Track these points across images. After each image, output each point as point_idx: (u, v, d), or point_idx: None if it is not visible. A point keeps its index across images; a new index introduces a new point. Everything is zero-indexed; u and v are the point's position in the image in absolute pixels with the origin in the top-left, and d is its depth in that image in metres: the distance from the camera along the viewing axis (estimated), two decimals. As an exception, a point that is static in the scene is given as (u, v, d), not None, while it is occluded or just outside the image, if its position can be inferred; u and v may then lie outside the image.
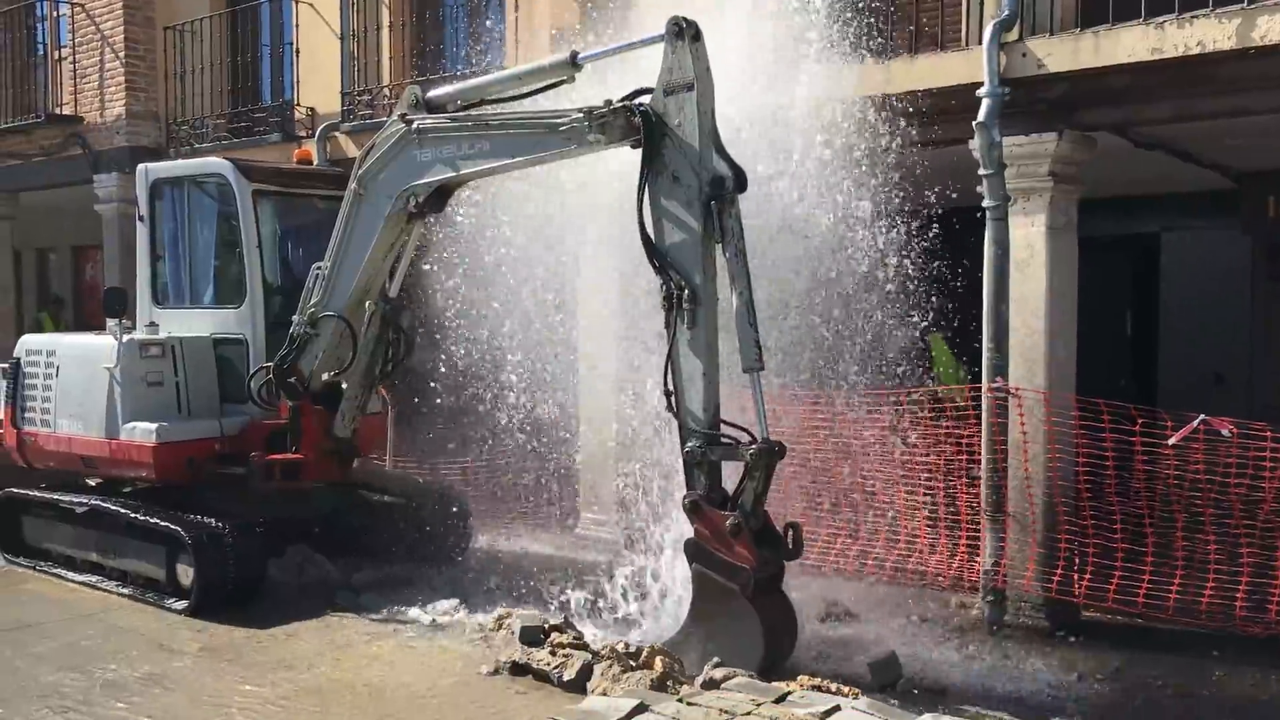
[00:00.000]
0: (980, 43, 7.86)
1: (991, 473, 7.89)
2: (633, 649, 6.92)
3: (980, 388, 8.07)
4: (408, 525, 9.84)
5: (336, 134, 12.43)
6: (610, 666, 6.56)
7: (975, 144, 7.73)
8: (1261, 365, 11.02)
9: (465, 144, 8.09)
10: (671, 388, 7.16)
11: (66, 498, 9.65)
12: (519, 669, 6.99)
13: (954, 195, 8.29)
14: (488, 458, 11.58)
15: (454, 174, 8.19)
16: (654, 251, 7.16)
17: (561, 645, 6.98)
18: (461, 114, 8.26)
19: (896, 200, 8.21)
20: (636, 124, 7.14)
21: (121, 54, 14.83)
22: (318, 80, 13.01)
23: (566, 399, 10.60)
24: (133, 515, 8.94)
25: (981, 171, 7.76)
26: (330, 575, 9.42)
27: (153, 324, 9.78)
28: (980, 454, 8.12)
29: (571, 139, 7.47)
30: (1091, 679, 7.02)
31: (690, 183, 7.02)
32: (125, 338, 9.34)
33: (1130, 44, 7.17)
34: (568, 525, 10.88)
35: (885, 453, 8.53)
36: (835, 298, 8.42)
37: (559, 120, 7.50)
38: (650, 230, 7.17)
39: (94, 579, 9.43)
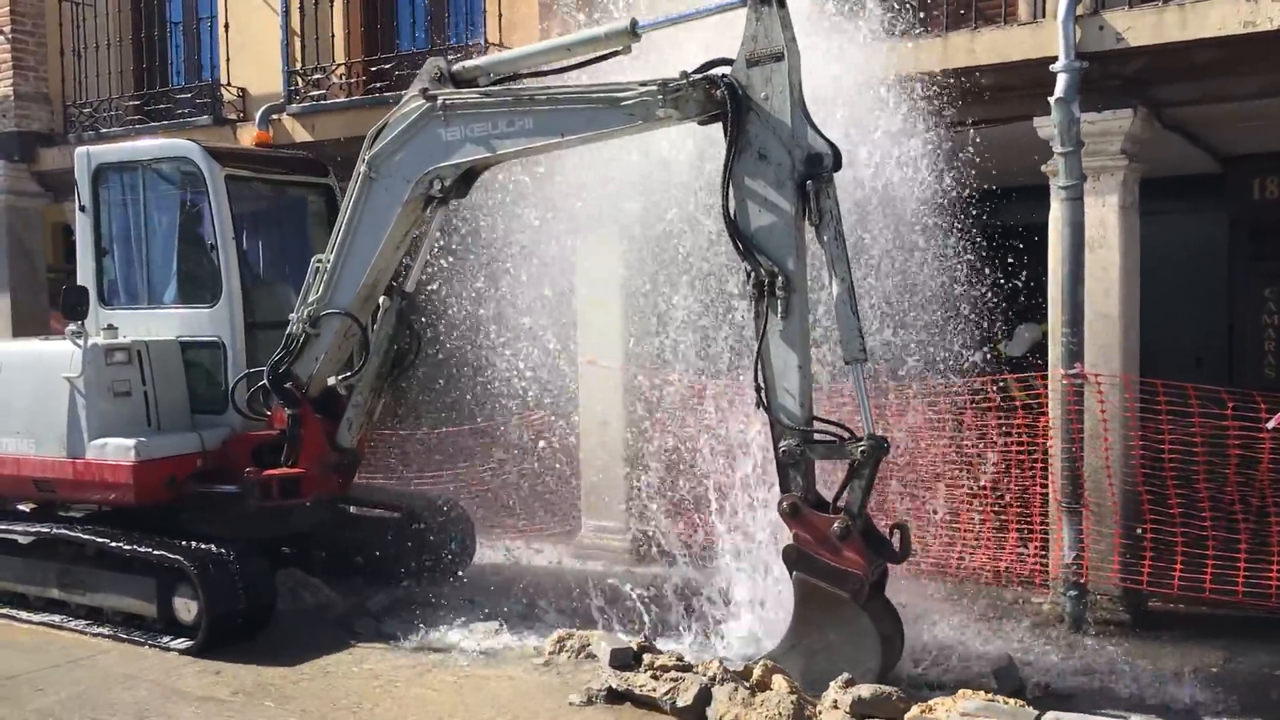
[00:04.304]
0: (1044, 15, 7.57)
1: (1068, 462, 7.60)
2: (740, 667, 6.37)
3: (1045, 375, 7.79)
4: (406, 541, 9.02)
5: (280, 116, 11.35)
6: (736, 690, 5.98)
7: (1051, 120, 7.41)
8: (1241, 348, 11.14)
9: (502, 121, 7.35)
10: (762, 382, 6.64)
11: (19, 527, 8.46)
12: (616, 696, 6.33)
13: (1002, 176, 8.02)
14: (467, 463, 10.79)
15: (488, 154, 7.45)
16: (739, 235, 6.62)
17: (664, 667, 6.35)
18: (498, 88, 7.51)
19: (951, 183, 7.89)
20: (718, 97, 6.58)
21: (7, 29, 13.29)
22: (250, 58, 11.88)
23: (563, 395, 9.95)
24: (115, 544, 7.86)
25: (1057, 149, 7.46)
26: (331, 601, 8.53)
27: (111, 326, 8.65)
28: (1041, 444, 7.86)
29: (636, 114, 6.87)
30: (1209, 674, 6.79)
31: (781, 160, 6.51)
32: (89, 342, 8.22)
33: (1220, 17, 6.98)
34: (567, 534, 10.16)
35: (945, 447, 8.18)
36: (891, 284, 8.05)
37: (623, 94, 6.89)
38: (734, 212, 6.64)
39: (57, 618, 8.27)
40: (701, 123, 6.84)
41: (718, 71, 6.68)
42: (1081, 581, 7.58)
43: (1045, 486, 7.87)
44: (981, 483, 8.16)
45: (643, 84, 6.80)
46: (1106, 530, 7.60)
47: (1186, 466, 7.39)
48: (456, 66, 7.65)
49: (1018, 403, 7.96)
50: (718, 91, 6.57)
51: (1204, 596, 7.25)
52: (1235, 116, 8.19)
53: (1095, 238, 7.61)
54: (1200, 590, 7.23)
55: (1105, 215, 7.63)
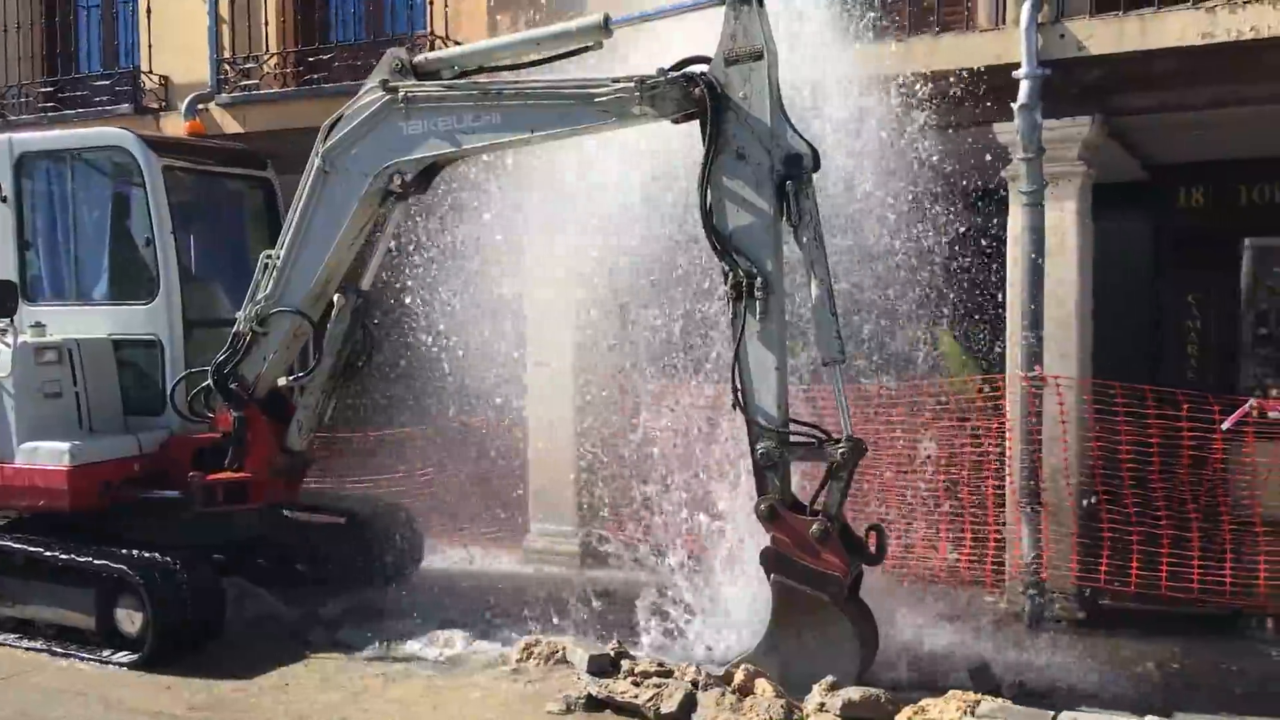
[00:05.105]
0: (1005, 22, 7.68)
1: (1027, 463, 7.70)
2: (719, 671, 6.30)
3: (1004, 378, 7.90)
4: (353, 546, 8.74)
5: (208, 107, 10.92)
6: (723, 695, 5.91)
7: (1014, 127, 7.52)
8: (1166, 350, 11.45)
9: (468, 115, 7.16)
10: (740, 384, 6.57)
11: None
12: (596, 704, 6.20)
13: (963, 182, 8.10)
14: (408, 466, 10.53)
15: (452, 149, 7.26)
16: (717, 235, 6.55)
17: (645, 673, 6.25)
18: (463, 81, 7.31)
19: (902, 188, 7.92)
20: (696, 96, 6.50)
21: (-95, 10, 12.60)
22: (173, 45, 11.40)
23: (511, 394, 9.74)
24: (51, 554, 7.46)
25: (1018, 155, 7.57)
26: (278, 610, 8.21)
27: (38, 324, 8.20)
28: (998, 445, 7.96)
29: (611, 111, 6.75)
30: (1173, 669, 6.94)
31: (760, 160, 6.45)
32: (19, 340, 7.79)
33: (1179, 28, 7.15)
34: (514, 537, 9.95)
35: (902, 449, 8.23)
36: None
37: (596, 90, 6.75)
38: (712, 212, 6.56)
39: (-20, 633, 7.83)
40: (676, 121, 6.75)
41: (696, 69, 6.60)
42: (1040, 580, 7.69)
43: (1002, 487, 7.97)
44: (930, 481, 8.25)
45: (618, 80, 6.68)
46: (1064, 530, 7.73)
47: (1142, 467, 7.55)
48: (419, 58, 7.43)
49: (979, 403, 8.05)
50: (696, 90, 6.49)
51: (1161, 594, 7.40)
52: (1187, 125, 8.41)
53: (1053, 243, 7.74)
54: (1156, 588, 7.39)
55: (1063, 221, 7.77)
